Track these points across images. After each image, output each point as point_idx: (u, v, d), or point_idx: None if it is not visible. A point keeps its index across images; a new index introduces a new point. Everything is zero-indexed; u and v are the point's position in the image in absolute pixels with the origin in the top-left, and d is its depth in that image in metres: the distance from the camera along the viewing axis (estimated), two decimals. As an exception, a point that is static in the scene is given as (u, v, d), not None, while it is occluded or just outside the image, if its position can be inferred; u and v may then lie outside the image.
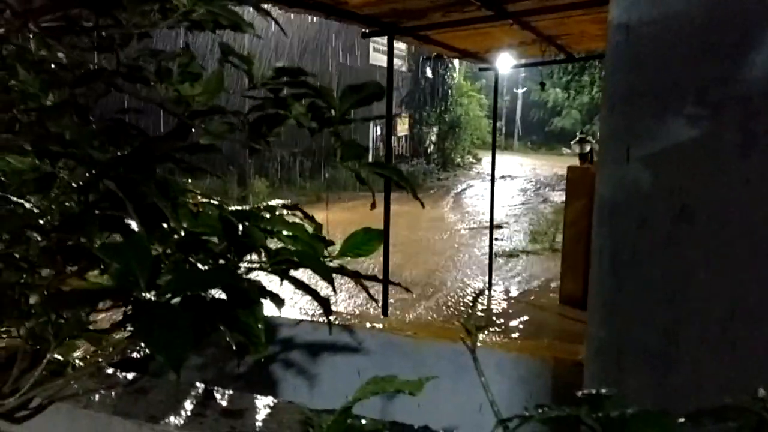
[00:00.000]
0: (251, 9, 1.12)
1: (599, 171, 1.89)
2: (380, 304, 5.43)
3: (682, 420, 0.69)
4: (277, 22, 1.15)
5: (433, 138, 25.42)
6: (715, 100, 1.53)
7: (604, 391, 0.71)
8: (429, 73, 24.56)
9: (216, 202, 1.38)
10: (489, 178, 9.21)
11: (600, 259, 1.80)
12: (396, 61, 10.26)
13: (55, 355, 1.08)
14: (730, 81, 1.52)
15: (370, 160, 1.27)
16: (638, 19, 1.69)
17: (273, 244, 1.22)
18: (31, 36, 1.19)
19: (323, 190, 17.45)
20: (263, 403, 1.07)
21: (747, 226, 1.49)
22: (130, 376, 1.21)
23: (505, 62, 8.54)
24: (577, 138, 9.02)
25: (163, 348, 0.74)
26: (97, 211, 1.00)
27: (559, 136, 33.12)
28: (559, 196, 15.56)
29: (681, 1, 1.60)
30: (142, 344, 1.99)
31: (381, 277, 5.38)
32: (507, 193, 18.69)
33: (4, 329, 1.05)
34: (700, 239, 1.55)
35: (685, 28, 1.60)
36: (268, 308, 1.01)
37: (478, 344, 0.94)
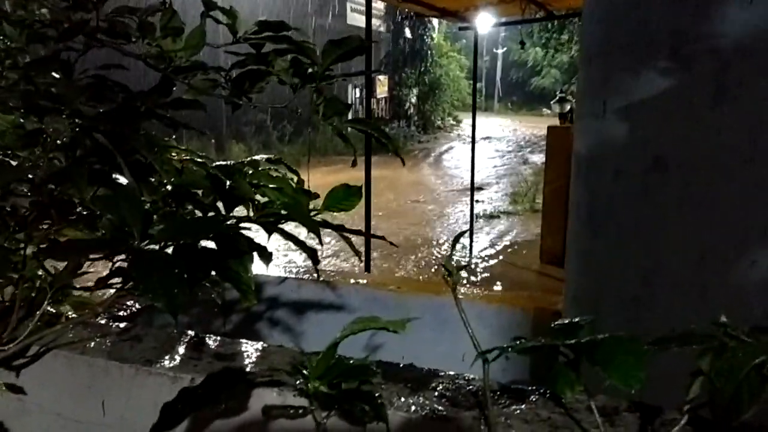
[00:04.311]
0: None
1: (577, 125, 1.93)
2: (365, 260, 5.49)
3: (648, 345, 0.74)
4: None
5: (413, 100, 25.25)
6: (688, 53, 1.56)
7: (577, 320, 0.75)
8: (408, 33, 24.26)
9: (200, 159, 1.40)
10: (469, 140, 9.23)
11: (577, 211, 1.86)
12: (374, 21, 10.13)
13: (48, 308, 1.11)
14: (703, 34, 1.55)
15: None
16: (615, -28, 1.71)
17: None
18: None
19: (302, 154, 17.31)
20: (255, 348, 1.11)
21: (717, 174, 1.55)
22: (122, 325, 1.24)
23: (485, 21, 8.48)
24: (557, 97, 9.04)
25: (160, 294, 0.76)
26: (84, 166, 1.02)
27: (539, 97, 33.05)
28: (539, 158, 15.63)
29: (656, -47, 1.62)
30: (134, 297, 2.02)
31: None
32: (487, 155, 18.72)
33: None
34: (672, 188, 1.60)
35: (660, -20, 1.62)
36: (255, 266, 1.03)
37: (460, 297, 0.98)
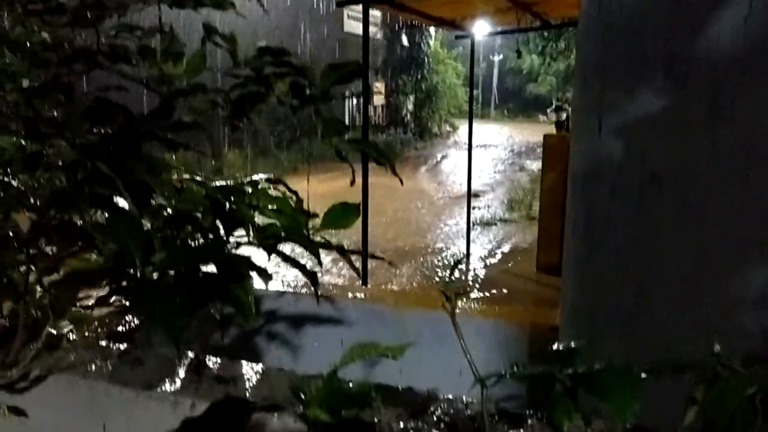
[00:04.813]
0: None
1: (573, 141, 1.94)
2: (362, 274, 5.49)
3: (644, 375, 0.75)
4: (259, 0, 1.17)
5: (410, 107, 25.31)
6: (683, 70, 1.58)
7: (573, 344, 0.76)
8: (405, 41, 24.35)
9: (199, 179, 1.41)
10: (466, 147, 9.26)
11: (574, 226, 1.87)
12: (371, 29, 10.17)
13: (50, 330, 1.11)
14: (698, 51, 1.57)
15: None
16: (610, -10, 1.72)
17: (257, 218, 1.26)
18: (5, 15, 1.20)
19: (299, 161, 17.32)
20: (254, 370, 1.12)
21: (713, 190, 1.56)
22: (123, 347, 1.25)
23: (481, 29, 8.54)
24: (554, 106, 9.10)
25: (162, 323, 0.78)
26: (86, 189, 1.03)
27: (535, 104, 33.23)
28: (535, 165, 15.67)
29: (650, -27, 1.64)
30: (129, 318, 2.02)
31: (360, 247, 5.41)
32: (484, 162, 18.77)
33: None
34: (668, 203, 1.61)
35: (655, -2, 1.64)
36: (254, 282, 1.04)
37: (457, 311, 0.98)
